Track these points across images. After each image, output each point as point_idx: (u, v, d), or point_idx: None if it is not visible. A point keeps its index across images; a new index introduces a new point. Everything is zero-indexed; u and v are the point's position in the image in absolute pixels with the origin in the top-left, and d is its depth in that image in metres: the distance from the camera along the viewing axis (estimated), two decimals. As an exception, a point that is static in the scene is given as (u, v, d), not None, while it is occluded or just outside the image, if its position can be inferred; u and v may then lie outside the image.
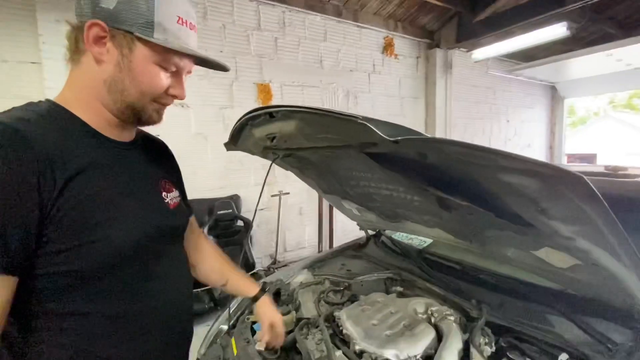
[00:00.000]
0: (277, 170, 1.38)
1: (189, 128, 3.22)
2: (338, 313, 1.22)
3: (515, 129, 6.70)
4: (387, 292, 1.40)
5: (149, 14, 0.60)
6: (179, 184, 0.87)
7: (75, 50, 0.64)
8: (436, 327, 1.11)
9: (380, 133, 0.58)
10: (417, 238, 1.78)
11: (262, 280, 1.63)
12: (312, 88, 4.00)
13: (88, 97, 0.64)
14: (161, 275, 0.71)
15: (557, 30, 3.85)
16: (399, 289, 1.41)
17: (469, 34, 4.57)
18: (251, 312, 1.38)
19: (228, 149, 1.37)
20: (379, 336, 1.08)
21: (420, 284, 1.38)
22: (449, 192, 0.80)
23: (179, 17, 0.63)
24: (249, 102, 3.54)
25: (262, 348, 1.11)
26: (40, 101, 0.64)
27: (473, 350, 0.97)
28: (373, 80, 4.54)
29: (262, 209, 3.72)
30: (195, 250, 1.00)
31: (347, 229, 4.23)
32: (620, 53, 4.22)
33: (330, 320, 1.24)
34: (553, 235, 0.73)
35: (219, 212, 3.14)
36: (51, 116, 0.61)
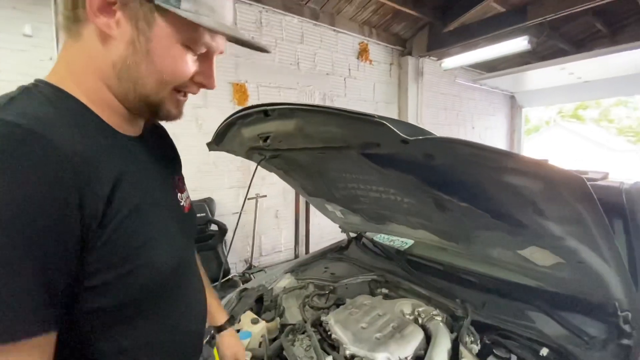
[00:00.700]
0: (253, 172, 1.34)
1: (159, 127, 3.05)
2: (325, 317, 1.20)
3: (480, 135, 7.09)
4: (373, 294, 1.40)
5: None
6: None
7: (74, 17, 0.47)
8: (424, 328, 1.13)
9: (397, 132, 0.57)
10: (398, 240, 1.80)
11: (244, 287, 1.57)
12: (289, 90, 3.97)
13: (93, 82, 0.49)
14: (188, 293, 0.62)
15: (520, 44, 4.13)
16: (385, 290, 1.41)
17: (439, 43, 4.78)
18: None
19: (210, 149, 1.31)
20: (368, 339, 1.08)
21: (404, 285, 1.39)
22: (450, 193, 0.81)
23: None
24: (224, 102, 3.43)
25: (247, 359, 1.06)
26: (35, 84, 0.47)
27: (462, 349, 0.99)
28: (349, 84, 4.60)
29: (236, 213, 3.61)
30: None
31: (324, 231, 4.23)
32: (572, 67, 4.62)
33: (318, 325, 1.21)
34: (545, 235, 0.76)
35: (191, 216, 3.01)
36: (63, 109, 0.45)
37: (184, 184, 0.69)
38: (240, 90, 3.55)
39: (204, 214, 3.08)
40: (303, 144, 1.01)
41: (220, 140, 1.19)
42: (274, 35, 3.79)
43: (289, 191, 4.01)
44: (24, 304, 0.36)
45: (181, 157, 0.77)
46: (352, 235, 1.94)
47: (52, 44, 2.42)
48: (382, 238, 1.87)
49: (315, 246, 3.87)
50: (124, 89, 0.50)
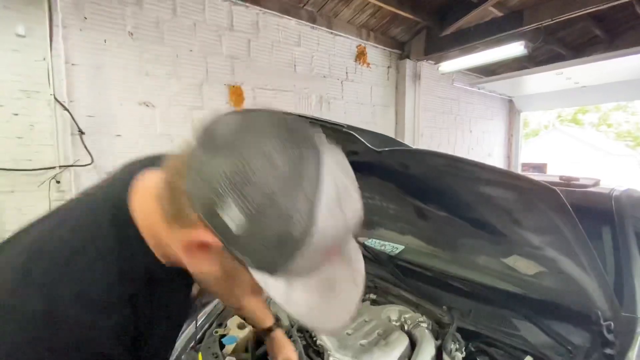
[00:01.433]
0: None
1: (153, 128, 3.04)
2: (312, 323, 1.19)
3: (477, 139, 7.09)
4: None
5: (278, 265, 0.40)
6: None
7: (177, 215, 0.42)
8: (409, 334, 1.12)
9: (365, 143, 0.57)
10: (389, 244, 1.80)
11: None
12: (286, 92, 3.97)
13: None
14: None
15: (516, 49, 4.14)
16: (373, 296, 1.41)
17: (437, 47, 4.78)
18: (219, 325, 1.31)
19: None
20: (353, 346, 1.07)
21: (393, 290, 1.39)
22: (428, 202, 0.81)
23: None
24: (220, 104, 3.44)
25: (232, 364, 1.05)
26: None
27: (445, 357, 0.99)
28: (346, 87, 4.60)
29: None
30: None
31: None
32: (569, 72, 4.62)
33: (304, 330, 1.21)
34: (524, 245, 0.76)
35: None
36: None
37: None
38: (236, 93, 3.55)
39: (198, 216, 3.07)
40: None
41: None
42: (270, 37, 3.79)
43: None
44: None
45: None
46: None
47: (45, 44, 2.42)
48: (373, 243, 1.86)
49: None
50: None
